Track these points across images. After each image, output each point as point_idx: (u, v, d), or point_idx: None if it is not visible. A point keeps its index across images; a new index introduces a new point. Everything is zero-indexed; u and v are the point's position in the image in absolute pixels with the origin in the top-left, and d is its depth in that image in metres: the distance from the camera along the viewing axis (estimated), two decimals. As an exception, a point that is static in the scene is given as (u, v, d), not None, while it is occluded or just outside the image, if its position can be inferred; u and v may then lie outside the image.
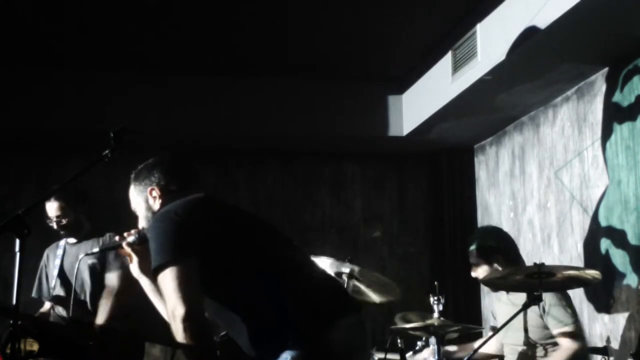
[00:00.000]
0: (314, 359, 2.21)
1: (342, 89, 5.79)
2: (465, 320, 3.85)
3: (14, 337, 2.26)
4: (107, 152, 2.46)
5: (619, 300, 4.14)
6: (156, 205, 2.51)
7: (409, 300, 4.30)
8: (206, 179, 6.18)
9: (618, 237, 4.15)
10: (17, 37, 4.96)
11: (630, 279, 4.05)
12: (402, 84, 5.83)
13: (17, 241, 2.22)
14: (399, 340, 3.77)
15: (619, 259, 4.14)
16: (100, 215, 4.57)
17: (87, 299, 4.18)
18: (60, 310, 4.22)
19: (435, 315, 3.44)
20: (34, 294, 4.34)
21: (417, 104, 5.62)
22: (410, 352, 3.77)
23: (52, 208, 4.16)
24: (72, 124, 5.61)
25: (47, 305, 4.32)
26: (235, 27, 4.86)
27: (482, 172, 6.07)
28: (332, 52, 5.30)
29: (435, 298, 3.49)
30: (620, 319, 4.12)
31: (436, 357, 3.40)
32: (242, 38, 5.00)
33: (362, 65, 5.53)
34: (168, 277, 2.19)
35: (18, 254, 2.22)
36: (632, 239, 4.04)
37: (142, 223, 2.55)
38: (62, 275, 4.23)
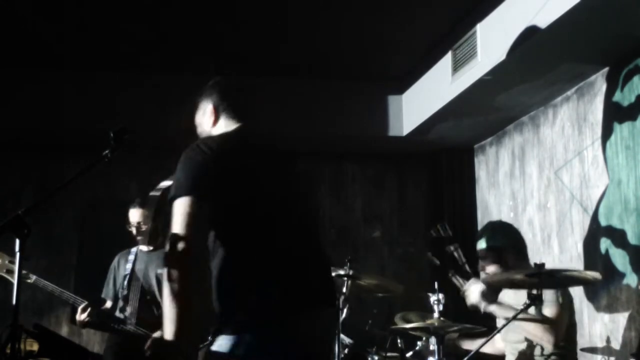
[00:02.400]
0: (264, 344, 2.19)
1: (342, 89, 5.80)
2: (465, 320, 3.85)
3: (14, 337, 2.26)
4: (107, 152, 2.46)
5: (619, 300, 4.14)
6: (210, 125, 2.55)
7: (409, 300, 4.30)
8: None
9: (618, 237, 4.15)
10: (17, 37, 4.96)
11: (630, 279, 4.05)
12: (402, 84, 5.83)
13: (17, 241, 2.22)
14: (399, 340, 3.77)
15: (619, 259, 4.14)
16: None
17: (154, 306, 4.27)
18: (127, 313, 4.33)
19: (435, 315, 3.44)
20: (103, 295, 4.48)
21: (417, 104, 5.62)
22: (411, 352, 3.77)
23: (135, 214, 4.41)
24: (72, 124, 5.62)
25: (108, 303, 4.45)
26: (235, 27, 4.86)
27: (482, 172, 6.07)
28: (332, 52, 5.30)
29: (435, 298, 3.49)
30: (620, 319, 4.12)
31: (436, 357, 3.40)
32: (242, 38, 5.00)
33: (362, 65, 5.53)
34: (178, 210, 2.23)
35: (18, 254, 2.22)
36: (632, 239, 4.04)
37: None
38: (131, 280, 4.37)
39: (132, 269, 4.40)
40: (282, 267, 2.25)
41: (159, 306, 4.30)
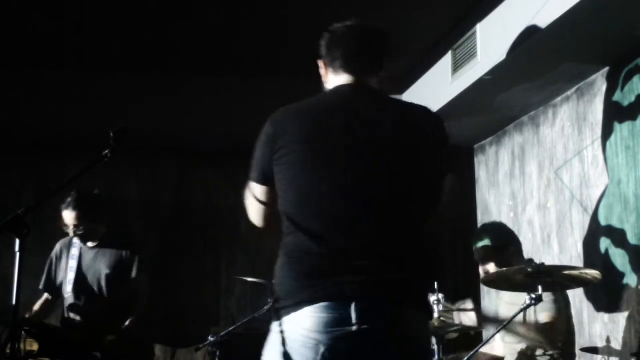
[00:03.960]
0: (277, 336, 2.07)
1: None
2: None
3: (14, 337, 2.26)
4: (107, 152, 2.46)
5: (619, 300, 4.14)
6: (324, 80, 2.35)
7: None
8: (206, 178, 6.19)
9: (618, 237, 4.15)
10: (17, 37, 4.96)
11: (630, 279, 4.04)
12: (402, 84, 5.83)
13: (17, 241, 2.22)
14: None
15: (619, 258, 4.14)
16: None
17: (103, 308, 4.21)
18: (74, 317, 4.23)
19: (436, 315, 3.44)
20: (41, 287, 4.38)
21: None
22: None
23: (69, 217, 4.21)
24: (72, 124, 5.62)
25: (45, 295, 4.35)
26: (235, 27, 4.85)
27: (482, 172, 6.07)
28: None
29: (435, 298, 3.49)
30: (620, 319, 4.12)
31: (436, 357, 3.40)
32: (242, 38, 5.00)
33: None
34: (249, 193, 2.26)
35: (18, 254, 2.22)
36: (632, 238, 4.04)
37: None
38: (78, 279, 4.24)
39: (79, 268, 4.25)
40: (301, 261, 2.07)
41: (108, 308, 4.18)
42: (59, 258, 4.40)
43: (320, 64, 2.34)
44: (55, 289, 4.35)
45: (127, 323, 4.10)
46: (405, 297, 2.08)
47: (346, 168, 2.10)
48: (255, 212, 2.27)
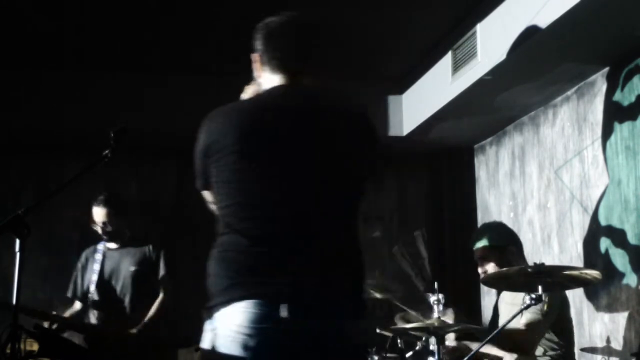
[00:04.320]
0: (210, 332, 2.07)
1: (342, 89, 5.78)
2: (465, 320, 3.87)
3: (14, 337, 2.26)
4: (107, 152, 2.46)
5: (619, 300, 4.14)
6: (257, 75, 2.30)
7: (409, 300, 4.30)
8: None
9: (618, 237, 4.15)
10: (17, 37, 4.96)
11: (630, 279, 4.04)
12: (402, 84, 5.83)
13: (17, 241, 2.22)
14: (399, 340, 3.77)
15: (619, 258, 4.14)
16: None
17: (126, 305, 4.31)
18: (96, 314, 4.33)
19: (435, 315, 3.44)
20: (68, 294, 4.46)
21: (417, 104, 5.62)
22: (410, 352, 3.76)
23: (99, 214, 4.34)
24: (72, 124, 5.62)
25: (77, 305, 4.43)
26: (235, 27, 4.85)
27: (482, 172, 6.07)
28: (331, 53, 5.29)
29: (435, 298, 3.49)
30: (620, 319, 4.12)
31: (436, 357, 3.39)
32: (242, 39, 4.99)
33: (362, 65, 5.53)
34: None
35: (18, 254, 2.23)
36: (632, 239, 4.04)
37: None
38: (101, 279, 4.33)
39: (101, 270, 4.34)
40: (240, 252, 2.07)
41: (131, 306, 4.30)
42: (84, 265, 4.49)
43: (255, 58, 2.28)
44: (82, 295, 4.43)
45: (150, 315, 4.20)
46: (336, 297, 2.08)
47: (279, 170, 2.11)
48: (212, 209, 2.31)
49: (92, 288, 4.31)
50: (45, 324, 4.03)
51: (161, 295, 4.31)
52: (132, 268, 4.31)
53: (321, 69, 2.29)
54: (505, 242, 3.76)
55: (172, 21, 4.77)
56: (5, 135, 5.72)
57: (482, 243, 3.77)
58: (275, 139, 2.11)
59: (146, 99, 5.58)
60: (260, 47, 2.26)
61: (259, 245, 2.06)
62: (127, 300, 4.30)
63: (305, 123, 2.17)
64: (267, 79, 2.26)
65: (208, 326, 2.09)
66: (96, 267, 4.36)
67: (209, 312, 2.08)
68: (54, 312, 4.21)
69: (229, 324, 2.01)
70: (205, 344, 2.09)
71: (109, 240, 4.39)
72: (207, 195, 2.23)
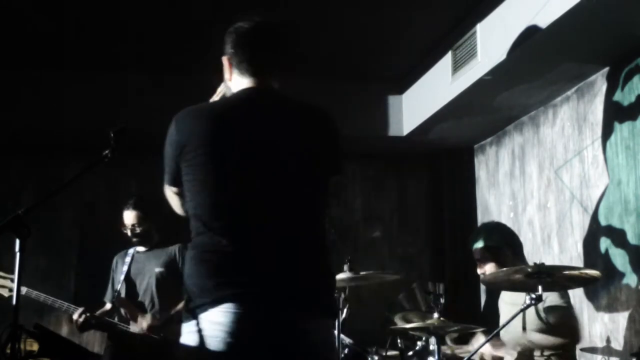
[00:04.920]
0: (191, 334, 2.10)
1: (342, 89, 5.79)
2: (465, 320, 3.86)
3: (14, 337, 2.26)
4: (107, 152, 2.46)
5: (619, 300, 4.14)
6: (226, 77, 2.38)
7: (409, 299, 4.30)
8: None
9: (618, 237, 4.15)
10: (17, 37, 4.96)
11: (630, 279, 4.05)
12: (402, 84, 5.83)
13: (17, 241, 2.22)
14: (399, 340, 3.76)
15: (619, 258, 4.14)
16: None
17: (150, 306, 4.35)
18: (122, 313, 4.37)
19: (435, 315, 3.44)
20: (105, 298, 4.52)
21: (417, 104, 5.62)
22: (411, 352, 3.77)
23: (130, 216, 4.41)
24: (72, 124, 5.61)
25: (107, 306, 4.48)
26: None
27: (482, 172, 6.07)
28: (331, 53, 5.30)
29: (435, 297, 3.49)
30: (620, 319, 4.12)
31: (436, 357, 3.40)
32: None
33: (362, 65, 5.53)
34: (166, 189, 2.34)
35: (18, 254, 2.22)
36: (632, 239, 4.04)
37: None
38: (127, 280, 4.42)
39: (128, 272, 4.43)
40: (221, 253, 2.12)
41: (152, 305, 4.35)
42: (114, 269, 4.56)
43: (225, 61, 2.36)
44: (112, 297, 4.49)
45: (175, 310, 4.20)
46: (311, 301, 2.16)
47: (251, 170, 2.17)
48: (175, 205, 2.36)
49: (119, 288, 4.39)
50: (75, 316, 4.11)
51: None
52: (157, 270, 4.37)
53: (288, 72, 2.37)
54: (501, 243, 3.76)
55: (172, 21, 4.77)
56: (5, 135, 5.72)
57: (478, 244, 3.78)
58: (246, 140, 2.18)
59: (146, 99, 5.57)
60: (230, 51, 2.34)
61: (236, 245, 2.11)
62: (151, 301, 4.36)
63: (273, 124, 2.24)
64: (236, 82, 2.34)
65: (192, 327, 2.11)
66: (124, 268, 4.44)
67: (191, 313, 2.10)
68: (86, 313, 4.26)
69: (215, 325, 2.05)
70: (190, 344, 2.11)
71: (139, 243, 4.45)
72: (171, 190, 2.30)
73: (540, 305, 3.41)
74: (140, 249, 4.48)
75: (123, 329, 4.23)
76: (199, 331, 2.07)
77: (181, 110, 2.36)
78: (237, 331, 2.03)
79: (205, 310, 2.06)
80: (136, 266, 4.44)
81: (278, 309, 2.08)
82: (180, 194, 2.28)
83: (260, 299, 2.07)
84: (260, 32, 2.37)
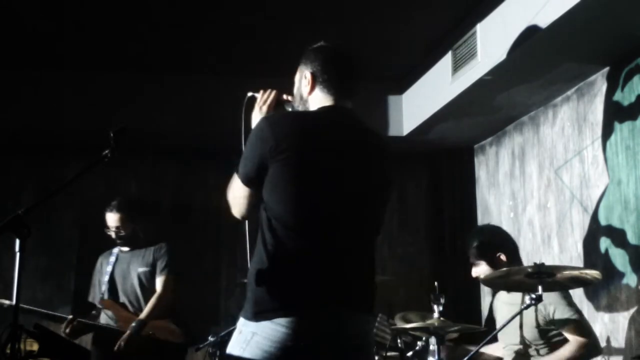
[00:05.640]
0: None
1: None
2: (465, 320, 3.87)
3: (14, 337, 2.26)
4: (107, 152, 2.46)
5: (619, 300, 4.14)
6: (306, 92, 2.45)
7: (409, 300, 4.30)
8: (206, 178, 6.19)
9: (618, 237, 4.15)
10: (17, 37, 4.96)
11: (630, 279, 4.05)
12: (402, 84, 5.83)
13: (17, 241, 2.22)
14: (399, 340, 3.77)
15: (619, 258, 4.14)
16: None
17: (134, 306, 4.39)
18: (108, 313, 4.41)
19: (435, 315, 3.44)
20: (89, 299, 4.56)
21: (417, 104, 5.62)
22: (411, 352, 3.77)
23: (112, 219, 4.40)
24: (72, 124, 5.62)
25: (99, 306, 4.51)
26: (237, 28, 4.85)
27: (482, 172, 6.07)
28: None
29: (435, 297, 3.49)
30: (620, 319, 4.12)
31: (436, 357, 3.40)
32: (243, 39, 5.00)
33: (362, 65, 5.51)
34: (231, 183, 2.38)
35: (18, 254, 2.22)
36: (632, 238, 4.04)
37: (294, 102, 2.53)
38: (111, 281, 4.44)
39: (112, 272, 4.44)
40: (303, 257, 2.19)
41: (136, 305, 4.39)
42: (99, 270, 4.57)
43: (307, 74, 2.45)
44: (99, 297, 4.51)
45: (145, 312, 4.27)
46: (367, 310, 2.31)
47: (337, 183, 2.28)
48: (237, 205, 2.39)
49: (103, 289, 4.40)
50: (62, 328, 4.16)
51: (158, 291, 4.34)
52: (140, 269, 4.41)
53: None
54: (493, 243, 3.76)
55: (172, 21, 4.77)
56: (5, 135, 5.72)
57: (471, 246, 3.79)
58: (336, 153, 2.29)
59: (146, 99, 5.58)
60: (318, 68, 2.45)
61: (316, 252, 2.20)
62: (134, 301, 4.36)
63: (358, 141, 2.39)
64: (316, 97, 2.43)
65: (246, 327, 2.17)
66: (109, 269, 4.46)
67: (253, 316, 2.16)
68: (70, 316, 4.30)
69: (269, 337, 2.11)
70: (236, 343, 2.17)
71: (123, 244, 4.45)
72: (243, 187, 2.31)
73: (542, 307, 3.41)
74: (125, 248, 4.49)
75: (112, 329, 4.24)
76: (254, 334, 2.14)
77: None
78: (290, 349, 2.11)
79: (266, 317, 2.13)
80: (120, 266, 4.46)
81: (343, 314, 2.19)
82: (251, 192, 2.30)
83: (329, 305, 2.17)
84: (343, 55, 2.53)
